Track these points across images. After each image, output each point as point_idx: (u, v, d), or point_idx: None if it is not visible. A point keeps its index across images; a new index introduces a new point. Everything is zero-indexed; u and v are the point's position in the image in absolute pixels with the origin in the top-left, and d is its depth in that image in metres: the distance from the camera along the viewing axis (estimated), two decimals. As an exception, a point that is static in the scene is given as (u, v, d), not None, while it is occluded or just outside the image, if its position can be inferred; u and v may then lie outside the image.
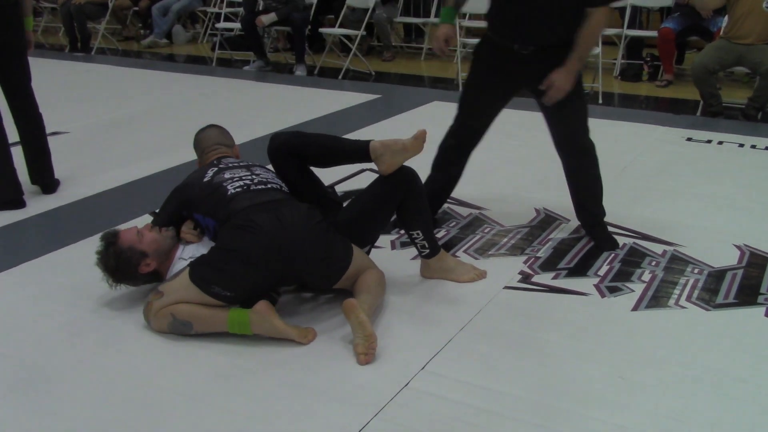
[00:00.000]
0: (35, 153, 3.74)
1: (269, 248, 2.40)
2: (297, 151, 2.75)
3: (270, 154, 2.78)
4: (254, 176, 2.69)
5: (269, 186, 2.65)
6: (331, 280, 2.58)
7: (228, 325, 2.36)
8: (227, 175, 2.68)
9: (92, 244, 3.17)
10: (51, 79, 3.88)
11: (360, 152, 2.70)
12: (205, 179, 2.69)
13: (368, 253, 2.84)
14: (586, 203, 3.18)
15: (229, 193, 2.59)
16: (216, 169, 2.74)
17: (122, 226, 3.33)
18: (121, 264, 2.52)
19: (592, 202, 3.18)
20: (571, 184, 3.18)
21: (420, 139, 2.65)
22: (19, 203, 3.61)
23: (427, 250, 2.79)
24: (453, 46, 3.11)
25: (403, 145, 2.64)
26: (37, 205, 3.66)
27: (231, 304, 2.41)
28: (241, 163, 2.81)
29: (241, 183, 2.63)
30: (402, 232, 3.23)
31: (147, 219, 3.46)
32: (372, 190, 2.75)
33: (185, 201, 2.71)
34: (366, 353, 2.30)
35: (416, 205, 2.74)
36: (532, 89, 3.00)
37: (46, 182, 3.82)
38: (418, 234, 2.76)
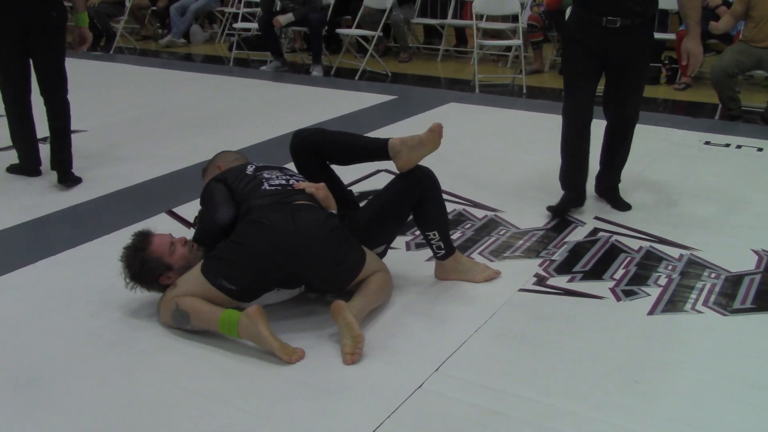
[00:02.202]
0: (57, 136, 3.88)
1: (277, 246, 2.41)
2: (318, 148, 2.77)
3: (292, 151, 2.81)
4: (288, 177, 2.73)
5: (297, 189, 2.66)
6: (339, 286, 2.59)
7: (219, 324, 2.35)
8: (266, 174, 2.72)
9: (108, 241, 3.22)
10: (69, 77, 3.93)
11: (379, 150, 2.71)
12: (248, 172, 2.74)
13: (384, 252, 2.84)
14: (614, 166, 3.56)
15: (262, 187, 2.62)
16: (255, 166, 2.79)
17: (140, 225, 3.38)
18: (144, 272, 2.52)
19: (618, 167, 3.57)
20: (607, 148, 3.53)
21: (435, 132, 2.65)
22: (35, 172, 4.00)
23: (443, 251, 2.79)
24: None
25: (419, 140, 2.64)
26: (55, 202, 3.69)
27: (234, 299, 2.42)
28: (273, 165, 2.85)
29: (277, 185, 2.65)
30: (417, 233, 3.23)
31: (163, 217, 3.50)
32: (389, 190, 2.76)
33: (227, 185, 2.72)
34: (353, 353, 2.30)
35: (433, 206, 2.74)
36: (613, 62, 3.26)
37: (63, 168, 3.90)
38: (434, 235, 2.76)
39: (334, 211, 2.65)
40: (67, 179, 3.89)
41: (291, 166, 2.90)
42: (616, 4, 3.12)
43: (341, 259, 2.51)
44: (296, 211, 2.51)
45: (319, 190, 2.64)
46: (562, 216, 3.47)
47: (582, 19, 3.24)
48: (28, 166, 4.03)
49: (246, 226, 2.49)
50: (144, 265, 2.51)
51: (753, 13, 5.23)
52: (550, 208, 3.51)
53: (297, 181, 2.71)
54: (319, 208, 2.59)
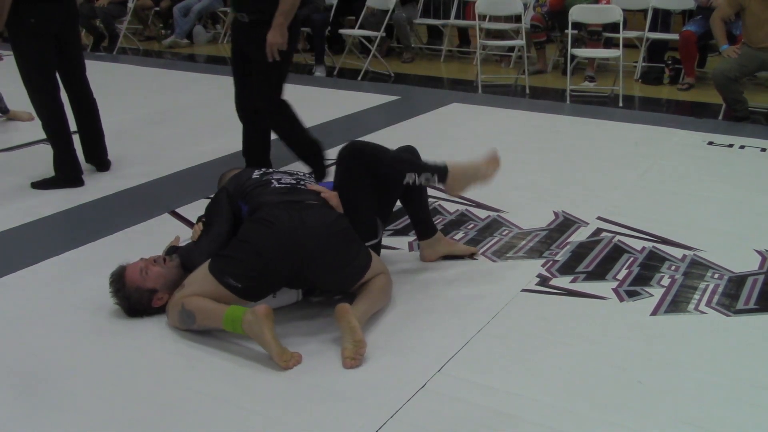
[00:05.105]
0: (91, 134, 4.10)
1: (283, 246, 2.41)
2: (371, 167, 2.68)
3: (343, 158, 2.71)
4: (299, 179, 2.74)
5: (307, 189, 2.67)
6: (343, 287, 2.59)
7: (223, 320, 2.35)
8: (275, 176, 2.74)
9: (112, 242, 3.23)
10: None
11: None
12: (254, 176, 2.74)
13: (378, 247, 2.82)
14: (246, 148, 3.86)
15: (271, 186, 2.64)
16: (263, 171, 2.80)
17: (143, 226, 3.40)
18: (134, 304, 2.56)
19: (250, 150, 3.82)
20: (243, 131, 3.86)
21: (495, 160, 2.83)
22: (78, 181, 3.94)
23: (430, 229, 2.95)
24: None
25: (483, 175, 2.81)
26: (57, 203, 3.69)
27: (241, 298, 2.42)
28: (284, 168, 2.85)
29: (287, 183, 2.67)
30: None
31: (166, 218, 3.50)
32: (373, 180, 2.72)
33: (231, 193, 2.72)
34: (354, 357, 2.29)
35: (419, 193, 2.84)
36: (244, 53, 3.64)
37: (101, 161, 4.17)
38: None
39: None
40: (107, 166, 4.18)
41: (293, 167, 2.89)
42: (242, 3, 3.54)
43: (348, 261, 2.51)
44: (304, 210, 2.51)
45: (331, 198, 2.63)
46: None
47: (233, 18, 3.74)
48: (72, 174, 3.92)
49: (252, 224, 2.50)
50: (130, 299, 2.54)
51: (747, 20, 5.21)
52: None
53: (308, 183, 2.72)
54: (328, 208, 2.59)
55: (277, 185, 2.65)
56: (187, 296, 2.43)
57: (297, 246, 2.42)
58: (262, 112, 3.70)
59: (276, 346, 2.28)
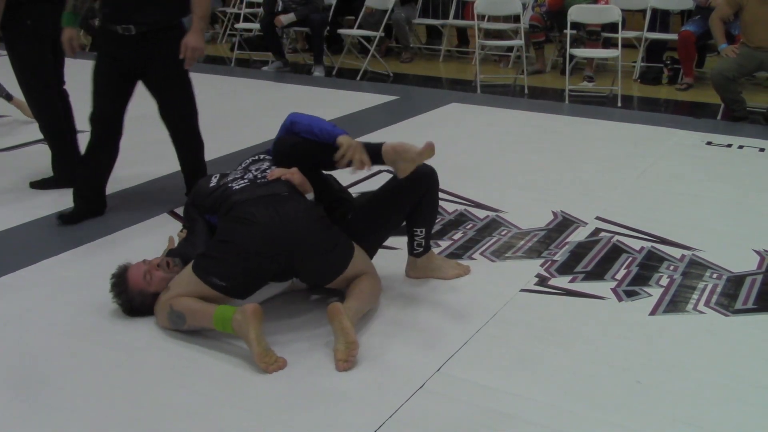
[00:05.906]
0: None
1: (265, 241, 2.40)
2: (302, 160, 2.68)
3: (275, 159, 2.76)
4: (257, 173, 2.71)
5: (268, 181, 2.64)
6: (327, 277, 2.57)
7: (213, 320, 2.35)
8: (230, 177, 2.73)
9: (110, 242, 3.22)
10: (70, 79, 3.97)
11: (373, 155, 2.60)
12: (211, 185, 2.74)
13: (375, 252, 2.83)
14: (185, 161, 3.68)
15: (233, 188, 2.63)
16: (218, 176, 2.80)
17: (142, 225, 3.40)
18: (136, 306, 2.56)
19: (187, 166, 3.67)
20: (179, 153, 3.69)
21: (429, 149, 2.55)
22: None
23: (421, 249, 2.81)
24: (78, 49, 3.48)
25: (418, 154, 2.54)
26: (57, 202, 3.69)
27: (227, 296, 2.42)
28: (239, 167, 2.82)
29: (245, 180, 2.66)
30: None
31: (164, 217, 3.51)
32: (391, 188, 2.72)
33: (191, 203, 2.78)
34: (346, 360, 2.28)
35: (429, 205, 2.75)
36: (138, 72, 3.37)
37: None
38: (420, 232, 2.77)
39: (312, 195, 2.63)
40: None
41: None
42: (125, 14, 3.23)
43: (330, 247, 2.50)
44: (278, 203, 2.49)
45: (293, 175, 2.60)
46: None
47: (105, 30, 3.34)
48: (71, 174, 3.66)
49: (230, 224, 2.48)
50: (132, 302, 2.55)
51: (746, 19, 5.22)
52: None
53: (265, 171, 2.69)
54: (300, 197, 2.57)
55: (237, 187, 2.62)
56: (173, 297, 2.42)
57: (281, 238, 2.41)
58: (193, 117, 3.60)
59: (258, 347, 2.25)
